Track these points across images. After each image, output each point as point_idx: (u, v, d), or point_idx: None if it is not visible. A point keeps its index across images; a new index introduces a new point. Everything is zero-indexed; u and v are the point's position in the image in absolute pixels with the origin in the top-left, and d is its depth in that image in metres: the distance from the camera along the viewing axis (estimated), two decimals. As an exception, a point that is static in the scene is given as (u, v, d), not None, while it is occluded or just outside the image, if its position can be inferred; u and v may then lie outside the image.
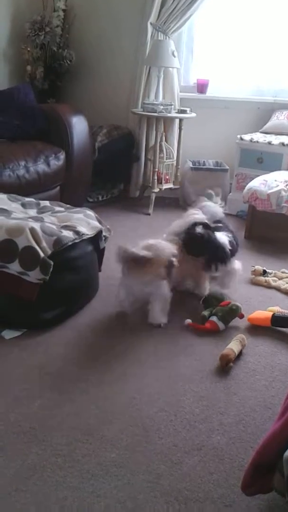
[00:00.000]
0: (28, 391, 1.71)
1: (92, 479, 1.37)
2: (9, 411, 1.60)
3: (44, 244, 2.00)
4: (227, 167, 3.88)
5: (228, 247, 2.31)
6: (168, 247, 2.18)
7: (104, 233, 2.39)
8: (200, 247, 2.27)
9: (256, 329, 2.18)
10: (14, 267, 1.96)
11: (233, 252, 2.36)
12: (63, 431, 1.54)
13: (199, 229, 2.26)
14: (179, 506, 1.30)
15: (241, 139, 3.64)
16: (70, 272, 2.14)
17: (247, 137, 3.64)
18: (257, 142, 3.57)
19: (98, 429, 1.56)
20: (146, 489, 1.35)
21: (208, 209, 2.49)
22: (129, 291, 2.17)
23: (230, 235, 2.38)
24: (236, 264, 2.44)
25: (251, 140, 3.60)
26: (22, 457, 1.42)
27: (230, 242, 2.34)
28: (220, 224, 2.41)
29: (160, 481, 1.38)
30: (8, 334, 2.02)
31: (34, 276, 1.96)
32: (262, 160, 3.59)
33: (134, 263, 2.06)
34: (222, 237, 2.33)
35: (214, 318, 2.15)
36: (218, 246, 2.29)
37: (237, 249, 2.42)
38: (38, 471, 1.38)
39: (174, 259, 2.14)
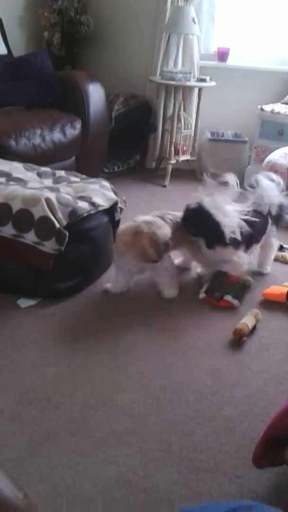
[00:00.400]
0: (43, 359, 1.73)
1: (104, 446, 1.39)
2: (25, 378, 1.63)
3: (59, 215, 1.99)
4: (246, 139, 3.80)
5: (230, 228, 2.10)
6: (163, 226, 2.07)
7: (119, 205, 2.37)
8: (193, 225, 2.15)
9: (270, 304, 2.17)
10: (30, 237, 1.96)
11: (247, 238, 2.17)
12: (77, 399, 1.56)
13: (193, 205, 2.14)
14: (189, 475, 1.32)
15: (262, 109, 3.55)
16: (85, 243, 2.14)
17: (268, 107, 3.54)
18: (278, 113, 3.48)
19: (111, 397, 1.58)
20: (157, 457, 1.37)
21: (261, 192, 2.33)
22: (125, 272, 2.14)
23: (255, 219, 2.21)
24: (242, 256, 2.21)
25: (272, 111, 3.50)
26: (36, 423, 1.45)
27: (243, 225, 2.14)
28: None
29: (171, 450, 1.40)
30: (24, 303, 2.04)
31: (49, 246, 1.96)
32: (283, 132, 3.50)
33: (127, 239, 2.02)
34: (231, 217, 2.14)
35: (228, 297, 2.12)
36: (212, 225, 2.09)
37: (256, 236, 2.24)
38: (52, 438, 1.41)
39: (168, 238, 2.04)
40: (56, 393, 1.58)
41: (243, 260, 2.22)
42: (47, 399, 1.55)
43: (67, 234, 1.97)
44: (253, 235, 2.21)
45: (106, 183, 2.37)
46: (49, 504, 1.22)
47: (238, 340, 1.88)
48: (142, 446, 1.41)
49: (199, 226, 2.13)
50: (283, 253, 2.61)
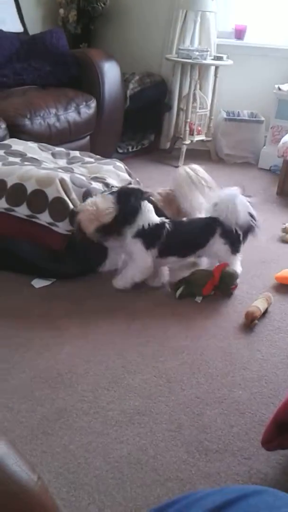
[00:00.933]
0: (56, 339, 1.76)
1: (115, 426, 1.42)
2: (38, 357, 1.66)
3: (73, 195, 2.00)
4: (263, 119, 3.74)
5: (146, 220, 1.92)
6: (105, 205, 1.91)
7: (133, 186, 2.36)
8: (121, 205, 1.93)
9: (282, 287, 2.16)
10: (44, 218, 1.97)
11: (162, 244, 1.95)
12: (89, 378, 1.59)
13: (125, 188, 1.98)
14: (199, 455, 1.34)
15: (279, 89, 3.48)
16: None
17: (285, 87, 3.47)
18: (296, 93, 3.41)
19: (122, 377, 1.60)
20: (167, 437, 1.40)
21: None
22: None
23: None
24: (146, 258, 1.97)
25: (289, 91, 3.44)
26: (49, 402, 1.48)
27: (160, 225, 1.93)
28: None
29: (181, 430, 1.42)
30: (38, 283, 2.06)
31: (63, 227, 1.97)
32: (300, 112, 3.44)
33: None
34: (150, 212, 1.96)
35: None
36: (129, 209, 1.91)
37: (179, 247, 2.02)
38: (64, 416, 1.44)
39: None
40: (69, 372, 1.61)
41: (144, 263, 1.98)
42: (60, 378, 1.58)
43: None
44: (171, 244, 1.97)
45: (120, 164, 2.36)
46: (60, 481, 1.25)
47: (249, 323, 1.88)
48: (153, 426, 1.43)
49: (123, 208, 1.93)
50: (297, 236, 2.59)
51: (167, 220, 1.98)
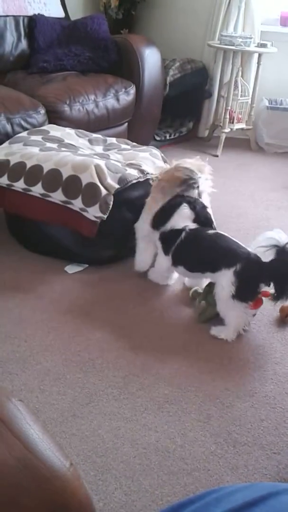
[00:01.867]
0: (88, 323, 1.77)
1: (144, 413, 1.43)
2: (71, 341, 1.68)
3: (109, 180, 1.99)
4: (306, 108, 3.63)
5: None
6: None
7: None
8: None
9: None
10: (78, 204, 1.98)
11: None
12: (120, 364, 1.60)
13: None
14: (227, 447, 1.34)
15: None
16: (131, 212, 2.13)
17: None
18: None
19: (153, 366, 1.60)
20: (196, 427, 1.39)
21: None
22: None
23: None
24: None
25: None
26: (80, 385, 1.50)
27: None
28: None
29: (210, 421, 1.42)
30: (71, 269, 2.08)
31: (92, 213, 1.97)
32: None
33: None
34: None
35: None
36: None
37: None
38: (94, 400, 1.46)
39: None
40: (100, 357, 1.62)
41: (160, 267, 1.95)
42: (91, 363, 1.59)
43: (111, 203, 1.97)
44: (183, 254, 1.84)
45: (156, 151, 2.34)
46: (88, 464, 1.27)
47: (284, 318, 1.85)
48: (181, 415, 1.43)
49: None
50: None
51: (188, 227, 1.82)
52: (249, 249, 1.74)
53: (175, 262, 1.88)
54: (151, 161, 2.23)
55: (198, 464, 1.29)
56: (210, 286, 1.83)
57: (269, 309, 1.92)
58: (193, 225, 1.84)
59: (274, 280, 1.65)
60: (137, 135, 3.00)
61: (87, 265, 2.11)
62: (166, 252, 1.89)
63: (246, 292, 1.69)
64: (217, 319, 1.79)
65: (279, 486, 0.57)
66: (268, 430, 1.40)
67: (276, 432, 1.39)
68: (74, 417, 1.40)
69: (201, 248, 1.79)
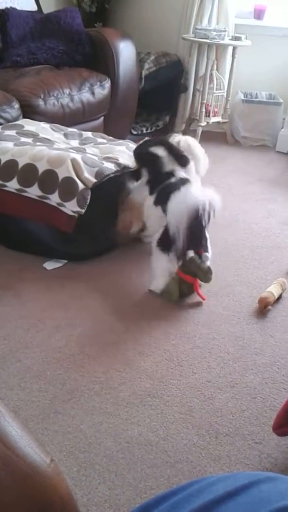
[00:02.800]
0: (69, 320, 1.76)
1: (127, 407, 1.42)
2: (51, 337, 1.67)
3: (86, 174, 1.98)
4: (281, 101, 3.66)
5: None
6: None
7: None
8: None
9: (298, 272, 2.14)
10: (54, 198, 1.96)
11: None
12: (101, 359, 1.59)
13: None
14: (209, 438, 1.34)
15: (298, 70, 3.40)
16: (110, 206, 2.13)
17: (304, 68, 3.39)
18: (315, 74, 3.33)
19: (134, 360, 1.60)
20: (178, 420, 1.40)
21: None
22: None
23: None
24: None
25: (308, 72, 3.36)
26: (61, 382, 1.49)
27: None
28: None
29: (192, 413, 1.42)
30: (50, 265, 2.06)
31: (69, 207, 1.95)
32: None
33: None
34: None
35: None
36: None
37: None
38: (76, 396, 1.45)
39: None
40: (81, 353, 1.61)
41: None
42: (72, 359, 1.58)
43: (89, 197, 1.96)
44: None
45: (133, 145, 2.33)
46: (71, 460, 1.26)
47: (263, 309, 1.87)
48: (164, 408, 1.43)
49: None
50: (314, 221, 2.55)
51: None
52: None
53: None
54: (128, 155, 2.22)
55: (181, 456, 1.29)
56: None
57: (248, 300, 1.93)
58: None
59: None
60: (114, 129, 2.98)
61: (66, 261, 2.09)
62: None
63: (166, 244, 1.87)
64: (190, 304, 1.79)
65: (260, 475, 0.57)
66: (250, 420, 1.41)
67: (257, 421, 1.41)
68: (55, 414, 1.39)
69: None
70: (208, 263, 1.87)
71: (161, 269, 1.92)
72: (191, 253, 1.86)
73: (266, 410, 1.45)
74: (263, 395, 1.50)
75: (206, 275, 1.87)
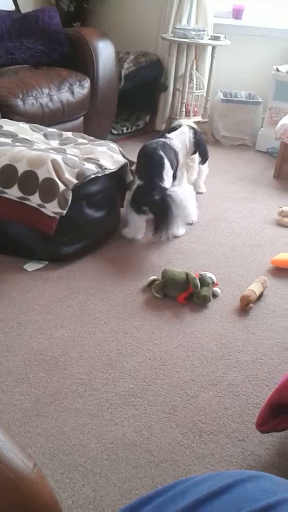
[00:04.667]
0: (50, 322, 1.75)
1: (110, 408, 1.42)
2: (32, 340, 1.65)
3: (66, 175, 1.97)
4: (260, 100, 3.69)
5: None
6: None
7: (129, 167, 2.33)
8: None
9: (279, 271, 2.16)
10: (35, 200, 1.95)
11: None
12: (84, 361, 1.58)
13: None
14: (193, 437, 1.35)
15: (277, 70, 3.43)
16: (91, 207, 2.12)
17: (283, 68, 3.42)
18: (294, 74, 3.36)
19: (117, 360, 1.60)
20: (162, 419, 1.40)
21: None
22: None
23: None
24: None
25: (287, 72, 3.39)
26: (43, 385, 1.48)
27: None
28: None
29: (176, 412, 1.42)
30: (31, 266, 2.04)
31: (50, 208, 1.94)
32: (297, 93, 3.39)
33: None
34: None
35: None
36: None
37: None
38: (59, 398, 1.44)
39: None
40: (63, 355, 1.60)
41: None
42: (55, 361, 1.57)
43: (70, 199, 1.94)
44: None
45: (114, 145, 2.32)
46: (55, 463, 1.25)
47: (244, 307, 1.88)
48: (147, 408, 1.43)
49: None
50: (294, 219, 2.57)
51: None
52: (163, 184, 2.21)
53: None
54: (109, 156, 2.22)
55: (165, 455, 1.29)
56: (166, 277, 1.92)
57: (230, 298, 1.94)
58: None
59: (154, 214, 2.19)
60: (94, 128, 2.97)
61: (47, 262, 2.08)
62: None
63: (134, 205, 2.23)
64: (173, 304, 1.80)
65: (244, 474, 0.57)
66: (233, 417, 1.42)
67: (241, 419, 1.42)
68: (38, 417, 1.37)
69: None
70: (211, 297, 1.92)
71: (134, 223, 2.29)
72: (210, 274, 1.97)
73: (249, 408, 1.46)
74: (246, 392, 1.51)
75: (200, 299, 1.90)
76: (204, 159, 2.67)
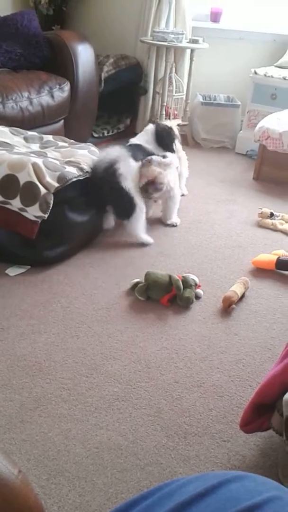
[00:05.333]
0: (33, 326, 1.74)
1: (95, 412, 1.42)
2: (15, 345, 1.64)
3: (48, 179, 1.96)
4: (239, 103, 3.73)
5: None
6: None
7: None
8: None
9: (260, 272, 2.18)
10: (16, 203, 1.94)
11: None
12: (68, 365, 1.58)
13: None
14: (178, 439, 1.35)
15: (255, 73, 3.47)
16: (73, 211, 2.11)
17: (261, 71, 3.47)
18: (272, 76, 3.41)
19: (101, 364, 1.59)
20: (147, 422, 1.40)
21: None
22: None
23: None
24: None
25: (265, 75, 3.43)
26: (27, 390, 1.47)
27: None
28: None
29: (160, 415, 1.43)
30: (13, 271, 2.03)
31: (31, 212, 1.93)
32: (275, 96, 3.44)
33: None
34: None
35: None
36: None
37: None
38: (43, 404, 1.43)
39: None
40: (47, 360, 1.59)
41: None
42: (38, 366, 1.56)
43: (51, 202, 1.94)
44: None
45: (94, 149, 2.33)
46: (40, 469, 1.24)
47: (227, 308, 1.90)
48: (132, 411, 1.43)
49: None
50: (273, 221, 2.61)
51: None
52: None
53: None
54: (89, 159, 2.22)
55: (151, 458, 1.30)
56: (149, 279, 1.94)
57: (213, 299, 1.96)
58: None
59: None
60: (74, 132, 2.96)
61: (29, 267, 2.07)
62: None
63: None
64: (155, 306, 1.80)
65: (228, 474, 0.58)
66: (217, 418, 1.43)
67: (225, 420, 1.43)
68: (22, 423, 1.36)
69: None
70: (194, 299, 1.94)
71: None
72: (193, 276, 1.98)
73: (233, 408, 1.47)
74: (229, 393, 1.53)
75: (183, 301, 1.91)
76: (167, 149, 2.58)
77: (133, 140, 2.55)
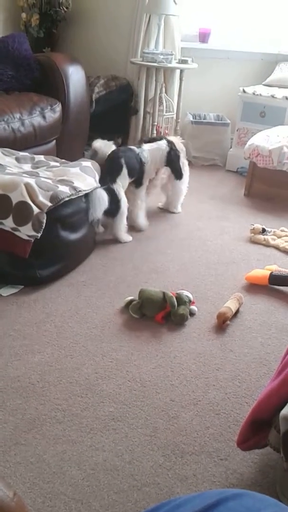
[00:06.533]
0: (27, 347, 1.72)
1: (90, 433, 1.40)
2: (9, 366, 1.62)
3: (40, 198, 1.97)
4: (229, 121, 3.79)
5: None
6: None
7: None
8: None
9: (253, 287, 2.18)
10: (8, 223, 1.94)
11: None
12: (62, 385, 1.56)
13: None
14: (175, 459, 1.34)
15: (244, 91, 3.53)
16: (65, 229, 2.12)
17: (249, 89, 3.53)
18: (260, 95, 3.47)
19: (96, 384, 1.58)
20: (143, 442, 1.38)
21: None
22: None
23: None
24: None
25: (254, 93, 3.49)
26: (21, 412, 1.45)
27: None
28: None
29: (157, 434, 1.41)
30: (6, 291, 2.02)
31: (24, 232, 1.93)
32: (264, 114, 3.50)
33: None
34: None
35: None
36: None
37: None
38: (38, 425, 1.41)
39: None
40: (41, 380, 1.57)
41: None
42: (32, 387, 1.54)
43: (44, 221, 1.94)
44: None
45: (86, 164, 2.35)
46: (35, 491, 1.22)
47: (221, 324, 1.89)
48: (128, 431, 1.41)
49: None
50: (265, 236, 2.62)
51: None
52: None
53: None
54: (82, 177, 2.23)
55: (148, 478, 1.28)
56: (143, 297, 1.94)
57: (207, 316, 1.96)
58: None
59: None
60: (66, 152, 2.98)
61: (22, 286, 2.06)
62: None
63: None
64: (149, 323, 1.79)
65: (226, 492, 0.57)
66: (214, 436, 1.42)
67: (222, 438, 1.41)
68: (17, 445, 1.34)
69: None
70: (188, 316, 1.93)
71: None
72: (187, 293, 1.99)
73: (230, 426, 1.46)
74: (226, 410, 1.51)
75: (178, 318, 1.90)
76: (176, 174, 2.76)
77: (143, 154, 2.63)
